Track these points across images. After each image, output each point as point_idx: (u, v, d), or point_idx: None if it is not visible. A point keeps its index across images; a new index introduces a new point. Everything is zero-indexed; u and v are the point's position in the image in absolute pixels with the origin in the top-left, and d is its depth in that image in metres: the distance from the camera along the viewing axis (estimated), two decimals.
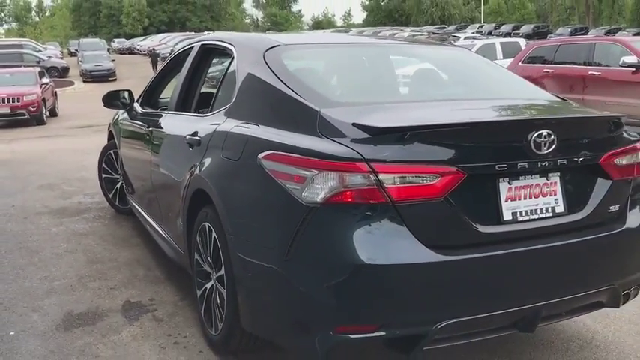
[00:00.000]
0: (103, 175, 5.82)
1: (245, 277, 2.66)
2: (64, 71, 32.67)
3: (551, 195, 2.55)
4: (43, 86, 17.50)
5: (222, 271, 2.87)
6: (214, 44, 3.78)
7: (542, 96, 3.29)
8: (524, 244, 2.45)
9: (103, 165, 5.81)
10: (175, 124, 3.83)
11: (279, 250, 2.41)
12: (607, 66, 10.38)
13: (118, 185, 5.62)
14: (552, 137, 2.44)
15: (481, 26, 54.90)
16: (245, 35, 3.97)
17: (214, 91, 3.58)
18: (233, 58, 3.38)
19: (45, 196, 6.65)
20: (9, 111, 16.06)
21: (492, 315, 2.43)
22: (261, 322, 2.67)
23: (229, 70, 3.41)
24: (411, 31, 47.19)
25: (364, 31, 49.05)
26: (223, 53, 3.63)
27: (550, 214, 2.54)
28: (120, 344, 3.22)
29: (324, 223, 2.29)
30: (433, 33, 44.73)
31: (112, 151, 5.68)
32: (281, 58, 3.06)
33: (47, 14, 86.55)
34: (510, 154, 2.42)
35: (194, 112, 3.74)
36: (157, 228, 4.18)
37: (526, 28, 49.56)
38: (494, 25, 55.50)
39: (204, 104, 3.67)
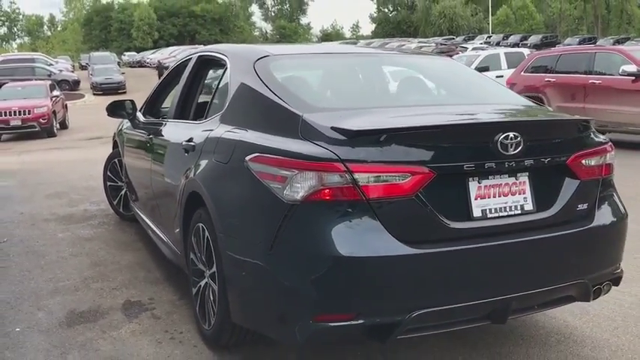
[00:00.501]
0: (108, 183, 6.02)
1: (234, 273, 2.82)
2: (74, 84, 33.15)
3: (520, 194, 2.70)
4: (54, 99, 17.85)
5: (215, 269, 3.04)
6: (210, 55, 3.97)
7: (516, 101, 3.45)
8: (493, 239, 2.60)
9: (108, 173, 6.01)
10: (173, 131, 4.02)
11: (264, 246, 2.58)
12: (607, 75, 10.51)
13: (122, 192, 5.82)
14: (519, 139, 2.60)
15: (489, 37, 55.10)
16: (238, 46, 4.16)
17: (210, 99, 3.77)
18: (227, 68, 3.56)
19: (52, 203, 6.87)
20: (20, 123, 16.41)
21: (464, 306, 2.58)
22: (249, 314, 2.83)
23: (223, 79, 3.60)
24: (419, 42, 47.47)
25: (372, 43, 49.38)
26: (218, 63, 3.82)
27: (519, 212, 2.69)
28: (119, 339, 3.39)
29: (304, 219, 2.46)
30: (441, 44, 44.90)
31: (116, 160, 5.88)
32: (269, 67, 3.25)
33: (59, 28, 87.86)
34: (478, 154, 2.58)
35: (191, 120, 3.93)
36: (157, 232, 4.36)
37: (534, 39, 49.71)
38: (502, 35, 55.70)
39: (200, 112, 3.86)
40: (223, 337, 3.08)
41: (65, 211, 6.45)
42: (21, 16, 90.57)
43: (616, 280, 3.08)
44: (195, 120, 3.84)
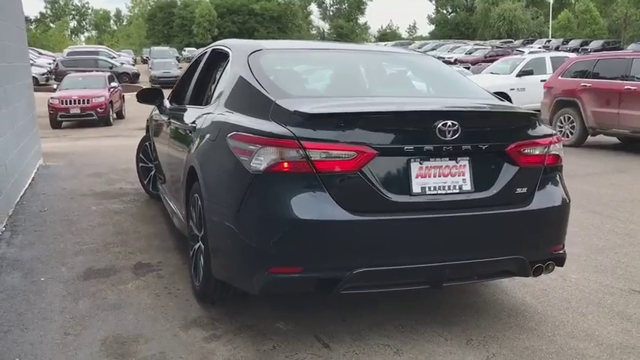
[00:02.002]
0: (140, 164, 6.63)
1: (213, 234, 3.31)
2: (134, 77, 34.61)
3: (459, 175, 3.07)
4: (112, 90, 18.88)
5: (203, 232, 3.53)
6: (220, 49, 4.47)
7: (477, 95, 3.75)
8: (430, 212, 2.99)
9: (140, 155, 6.61)
10: (185, 115, 4.54)
11: (234, 209, 3.04)
12: None
13: (152, 173, 6.40)
14: (456, 126, 2.97)
15: (548, 41, 53.95)
16: (240, 41, 4.63)
17: (214, 87, 4.27)
18: (229, 60, 4.05)
19: (93, 182, 7.55)
20: (79, 112, 17.45)
21: (401, 269, 2.98)
22: (222, 268, 3.31)
23: (225, 70, 4.08)
24: (475, 44, 47.07)
25: (426, 44, 49.26)
26: (225, 56, 4.31)
27: (457, 191, 3.06)
28: (124, 292, 3.93)
29: (264, 187, 2.92)
30: (497, 47, 44.39)
31: (147, 143, 6.47)
32: (259, 60, 3.71)
33: (124, 23, 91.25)
34: (419, 138, 2.97)
35: (201, 105, 4.44)
36: (171, 205, 4.90)
37: (595, 44, 48.41)
38: (562, 40, 54.46)
39: (209, 98, 4.36)
40: (208, 292, 3.57)
41: (102, 189, 7.11)
42: (90, 11, 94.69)
43: (559, 261, 3.40)
44: (204, 105, 4.35)
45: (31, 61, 36.22)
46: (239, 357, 3.08)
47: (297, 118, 2.94)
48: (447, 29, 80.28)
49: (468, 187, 3.08)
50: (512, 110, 3.44)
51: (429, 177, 3.02)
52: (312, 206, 2.86)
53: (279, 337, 3.29)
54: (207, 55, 4.70)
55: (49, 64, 36.64)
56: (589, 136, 11.26)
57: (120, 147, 11.35)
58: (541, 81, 14.85)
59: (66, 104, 17.37)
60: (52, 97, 17.64)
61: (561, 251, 3.40)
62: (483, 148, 3.08)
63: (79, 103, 17.45)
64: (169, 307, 3.68)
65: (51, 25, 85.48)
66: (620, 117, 10.56)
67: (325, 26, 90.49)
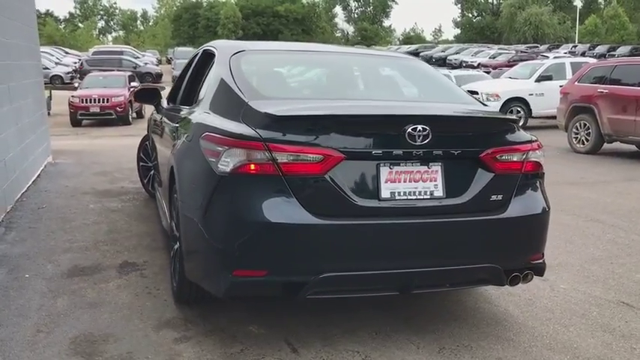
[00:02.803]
0: (140, 164, 6.66)
1: (185, 234, 3.30)
2: (157, 77, 34.96)
3: (431, 181, 3.01)
4: (132, 89, 19.08)
5: (179, 232, 3.52)
6: (208, 49, 4.46)
7: (459, 99, 3.68)
8: (399, 218, 2.94)
9: (141, 154, 6.65)
10: (174, 115, 4.54)
11: (202, 211, 3.02)
12: None
13: (152, 172, 6.43)
14: (427, 131, 2.91)
15: (575, 46, 53.18)
16: (226, 42, 4.60)
17: (200, 87, 4.26)
18: (214, 60, 4.04)
19: (96, 180, 7.62)
20: (99, 110, 17.66)
21: (368, 274, 2.93)
22: (193, 269, 3.29)
23: (210, 70, 4.07)
24: (499, 48, 46.57)
25: (450, 48, 48.92)
26: (212, 56, 4.30)
27: (428, 197, 3.00)
28: (104, 290, 3.94)
29: (230, 189, 2.89)
30: (521, 52, 43.88)
31: (147, 142, 6.50)
32: (240, 61, 3.69)
33: (150, 23, 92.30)
34: (388, 143, 2.91)
35: (190, 106, 4.43)
36: (163, 206, 4.90)
37: (623, 50, 47.56)
38: (588, 45, 53.63)
39: (195, 98, 4.35)
40: (184, 293, 3.56)
41: (104, 187, 7.17)
42: (117, 11, 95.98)
43: (538, 270, 3.32)
44: (191, 106, 4.34)
45: (57, 60, 37.01)
46: (205, 359, 3.06)
47: (265, 119, 2.92)
48: (472, 33, 79.61)
49: (439, 192, 3.02)
50: (488, 116, 3.37)
51: (399, 182, 2.96)
52: (276, 209, 2.82)
53: (249, 340, 3.26)
54: (198, 56, 4.70)
55: (75, 63, 37.24)
56: (605, 144, 11.05)
57: (133, 146, 11.38)
58: (560, 86, 14.63)
59: (86, 103, 17.59)
60: (72, 96, 17.91)
61: (540, 261, 3.32)
62: (456, 153, 3.02)
63: (98, 102, 17.66)
64: (145, 307, 3.68)
65: (79, 24, 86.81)
66: (636, 124, 10.33)
67: (350, 29, 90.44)
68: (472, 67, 34.95)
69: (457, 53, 44.88)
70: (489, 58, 39.39)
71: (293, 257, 2.85)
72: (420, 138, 2.91)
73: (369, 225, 2.89)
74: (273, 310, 3.62)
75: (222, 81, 3.55)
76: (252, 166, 2.84)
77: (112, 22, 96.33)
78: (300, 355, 3.11)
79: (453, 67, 36.65)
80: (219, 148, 2.93)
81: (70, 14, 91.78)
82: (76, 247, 4.81)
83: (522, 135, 3.25)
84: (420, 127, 2.90)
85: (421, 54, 45.20)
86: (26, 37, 7.77)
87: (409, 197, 2.98)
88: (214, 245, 2.95)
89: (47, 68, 28.84)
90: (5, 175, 5.84)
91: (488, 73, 24.38)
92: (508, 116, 3.30)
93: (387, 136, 2.93)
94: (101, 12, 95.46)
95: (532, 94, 15.97)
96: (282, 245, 2.84)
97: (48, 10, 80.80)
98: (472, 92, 13.62)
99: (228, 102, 3.35)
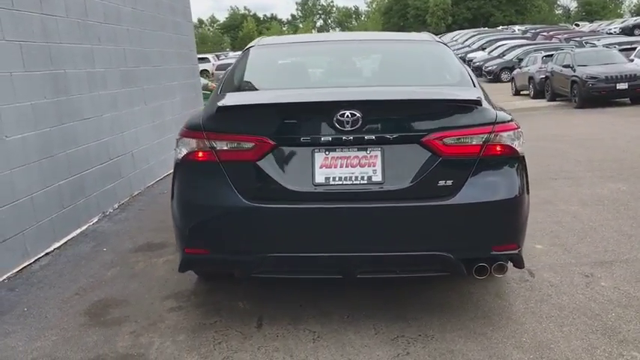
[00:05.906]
0: None
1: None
2: None
3: (370, 166, 2.98)
4: None
5: None
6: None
7: (438, 83, 3.53)
8: (334, 203, 2.97)
9: None
10: None
11: (171, 195, 3.38)
12: None
13: None
14: (356, 116, 2.90)
15: None
16: (262, 38, 4.74)
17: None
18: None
19: None
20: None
21: (307, 257, 3.02)
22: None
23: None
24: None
25: None
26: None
27: (365, 182, 2.97)
28: (151, 264, 4.52)
29: (180, 175, 3.21)
30: None
31: None
32: (250, 56, 3.96)
33: (362, 18, 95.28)
34: (318, 129, 2.96)
35: None
36: None
37: None
38: None
39: None
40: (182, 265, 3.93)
41: None
42: (334, 9, 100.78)
43: (516, 262, 3.10)
44: None
45: None
46: (179, 327, 3.43)
47: (211, 111, 3.16)
48: None
49: (378, 178, 2.97)
50: (432, 98, 3.15)
51: (335, 167, 2.99)
52: (212, 193, 3.06)
53: (228, 314, 3.55)
54: (244, 50, 5.04)
55: None
56: None
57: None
58: None
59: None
60: None
61: (514, 251, 3.06)
62: (392, 138, 2.94)
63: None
64: (171, 281, 4.16)
65: (299, 25, 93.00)
66: None
67: (573, 4, 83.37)
68: None
69: None
70: None
71: (230, 238, 3.07)
72: (349, 124, 2.91)
73: (302, 209, 2.97)
74: (279, 289, 3.83)
75: (231, 73, 3.84)
76: (196, 154, 3.11)
77: (329, 20, 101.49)
78: (260, 331, 3.32)
79: None
80: (178, 138, 3.26)
81: (292, 16, 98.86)
82: (162, 227, 5.48)
83: (484, 116, 3.01)
84: (347, 112, 2.91)
85: None
86: (176, 44, 8.84)
87: (344, 182, 2.99)
88: (175, 225, 3.29)
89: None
90: (133, 164, 6.82)
91: None
92: (462, 97, 3.07)
93: (319, 122, 2.97)
94: (320, 11, 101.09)
95: None
96: (219, 226, 3.08)
97: (272, 14, 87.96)
98: None
99: (213, 96, 3.66)
